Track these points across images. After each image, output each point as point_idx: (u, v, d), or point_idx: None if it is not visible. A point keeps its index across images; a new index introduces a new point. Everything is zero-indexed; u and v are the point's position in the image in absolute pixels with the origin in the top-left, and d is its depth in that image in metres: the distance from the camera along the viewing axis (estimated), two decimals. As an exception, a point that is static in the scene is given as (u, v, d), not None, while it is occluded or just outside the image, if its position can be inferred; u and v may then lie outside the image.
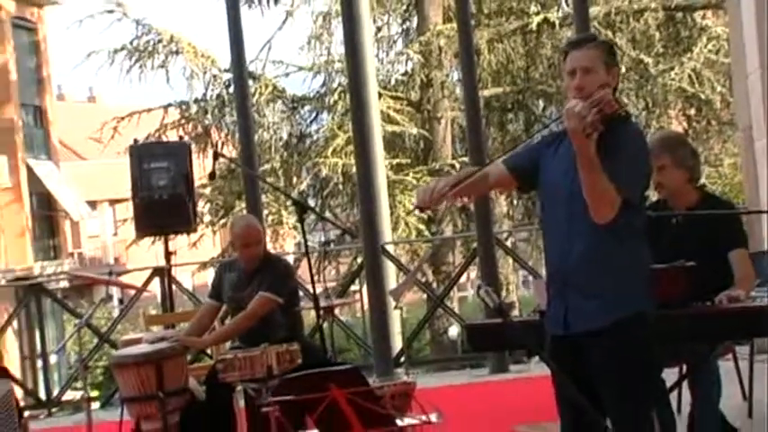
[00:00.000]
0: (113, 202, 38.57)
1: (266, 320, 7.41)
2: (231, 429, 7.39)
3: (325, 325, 7.63)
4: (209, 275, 28.71)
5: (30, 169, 31.16)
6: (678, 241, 6.05)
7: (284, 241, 22.43)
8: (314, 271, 8.01)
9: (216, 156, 7.86)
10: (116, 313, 22.78)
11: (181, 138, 16.49)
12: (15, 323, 27.18)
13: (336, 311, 9.20)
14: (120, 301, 33.66)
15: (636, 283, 4.73)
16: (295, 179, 21.73)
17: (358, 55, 11.62)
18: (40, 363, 15.78)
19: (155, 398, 7.02)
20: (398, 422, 5.58)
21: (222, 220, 22.90)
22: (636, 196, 4.69)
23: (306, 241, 7.51)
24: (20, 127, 30.98)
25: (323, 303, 7.40)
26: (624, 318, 4.64)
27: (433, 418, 5.40)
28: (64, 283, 27.22)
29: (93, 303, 18.66)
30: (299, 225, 7.78)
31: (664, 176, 6.27)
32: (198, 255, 20.07)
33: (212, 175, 7.74)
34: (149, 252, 20.17)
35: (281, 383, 5.94)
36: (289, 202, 20.08)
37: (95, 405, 14.12)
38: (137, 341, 7.87)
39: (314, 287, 7.22)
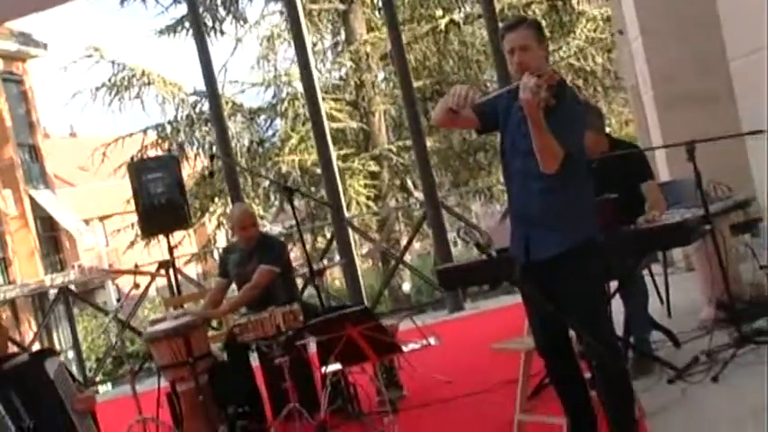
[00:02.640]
0: (102, 218, 38.46)
1: (268, 288, 7.51)
2: (251, 381, 7.48)
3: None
4: (191, 269, 28.74)
5: (32, 198, 31.13)
6: (600, 180, 6.19)
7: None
8: (289, 246, 8.14)
9: (212, 157, 7.92)
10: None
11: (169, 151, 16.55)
12: (35, 325, 27.20)
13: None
14: (118, 300, 33.60)
15: (585, 215, 4.85)
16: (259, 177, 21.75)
17: (307, 69, 11.78)
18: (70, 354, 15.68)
19: (186, 363, 7.07)
20: (404, 348, 5.72)
21: (201, 220, 22.89)
22: (576, 149, 4.76)
23: (296, 218, 7.56)
24: (19, 164, 30.94)
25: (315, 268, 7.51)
26: (580, 243, 4.76)
27: (432, 341, 5.52)
28: (71, 288, 27.11)
29: (95, 304, 18.59)
30: (285, 208, 7.85)
31: None
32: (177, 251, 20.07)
33: (212, 174, 7.82)
34: (142, 255, 20.20)
35: (306, 328, 6.02)
36: (271, 188, 20.48)
37: (107, 387, 14.18)
38: (162, 319, 7.93)
39: (307, 255, 7.32)
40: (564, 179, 4.72)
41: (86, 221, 37.87)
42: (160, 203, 10.42)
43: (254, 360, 7.63)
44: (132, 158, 21.06)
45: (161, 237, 14.43)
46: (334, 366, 5.86)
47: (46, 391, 4.86)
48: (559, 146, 4.65)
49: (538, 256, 4.81)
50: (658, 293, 7.89)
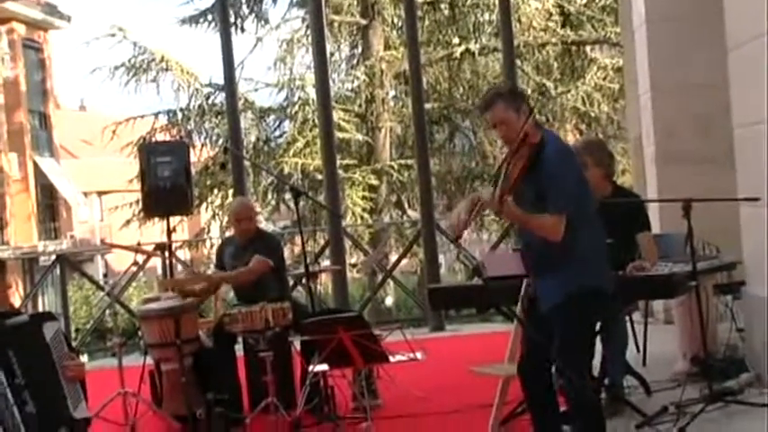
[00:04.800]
0: (101, 193, 38.49)
1: (260, 283, 7.55)
2: (233, 371, 7.54)
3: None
4: (180, 255, 28.73)
5: (36, 164, 31.23)
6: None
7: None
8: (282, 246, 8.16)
9: (226, 149, 7.98)
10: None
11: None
12: (21, 288, 27.16)
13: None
14: (105, 275, 33.63)
15: (585, 263, 4.89)
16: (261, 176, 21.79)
17: (323, 78, 11.83)
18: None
19: (173, 344, 7.15)
20: (391, 359, 5.77)
21: (197, 209, 22.87)
22: (570, 205, 4.80)
23: (299, 219, 7.60)
24: (28, 129, 31.08)
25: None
26: (576, 292, 4.83)
27: (419, 355, 5.59)
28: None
29: (90, 276, 18.53)
30: (280, 208, 7.91)
31: (585, 173, 6.46)
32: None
33: (223, 166, 7.89)
34: (134, 235, 20.22)
35: (300, 326, 6.08)
36: (270, 187, 20.68)
37: (83, 358, 14.11)
38: (156, 299, 7.99)
39: (305, 255, 7.37)
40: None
41: (85, 194, 37.91)
42: (165, 187, 10.38)
43: (239, 351, 7.68)
44: (144, 139, 21.17)
45: (158, 219, 14.45)
46: (322, 367, 5.91)
47: (41, 353, 4.89)
48: (552, 216, 4.75)
49: (541, 307, 4.95)
50: (636, 341, 7.95)
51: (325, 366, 5.93)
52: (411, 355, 5.65)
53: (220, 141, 21.52)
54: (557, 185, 4.79)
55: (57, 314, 16.24)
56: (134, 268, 10.94)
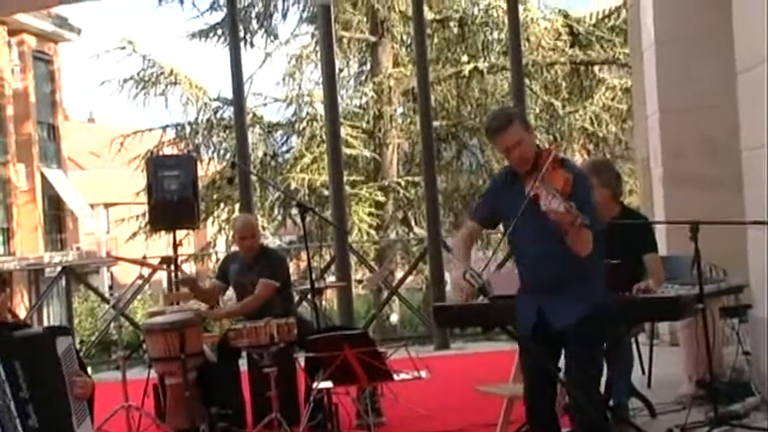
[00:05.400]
0: (108, 205, 38.56)
1: (266, 300, 7.56)
2: (237, 385, 7.53)
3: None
4: (185, 268, 28.73)
5: (43, 175, 31.36)
6: (605, 244, 6.22)
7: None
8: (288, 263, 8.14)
9: (233, 164, 7.97)
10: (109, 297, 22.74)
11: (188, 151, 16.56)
12: (26, 299, 27.17)
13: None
14: (110, 288, 33.66)
15: (597, 282, 4.95)
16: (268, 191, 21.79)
17: (332, 95, 11.82)
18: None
19: (177, 358, 7.15)
20: (395, 377, 5.76)
21: (204, 223, 22.87)
22: (595, 220, 4.84)
23: (305, 234, 7.62)
24: (36, 140, 31.22)
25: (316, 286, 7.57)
26: (590, 312, 4.85)
27: (423, 374, 5.57)
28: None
29: (95, 288, 18.53)
30: (286, 224, 7.90)
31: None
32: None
33: (230, 180, 7.87)
34: (141, 248, 20.24)
35: (305, 343, 6.07)
36: (277, 203, 20.61)
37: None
38: (161, 312, 7.98)
39: (311, 272, 7.35)
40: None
41: (92, 206, 37.99)
42: (172, 200, 10.38)
43: (243, 366, 7.67)
44: (151, 153, 21.22)
45: (164, 233, 14.43)
46: (326, 384, 5.91)
47: (51, 367, 4.82)
48: (587, 230, 4.72)
49: (550, 328, 4.89)
50: (641, 363, 7.93)
51: (329, 383, 5.93)
52: (415, 374, 5.63)
53: (228, 156, 21.56)
54: (587, 202, 4.84)
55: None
56: (139, 281, 10.95)
